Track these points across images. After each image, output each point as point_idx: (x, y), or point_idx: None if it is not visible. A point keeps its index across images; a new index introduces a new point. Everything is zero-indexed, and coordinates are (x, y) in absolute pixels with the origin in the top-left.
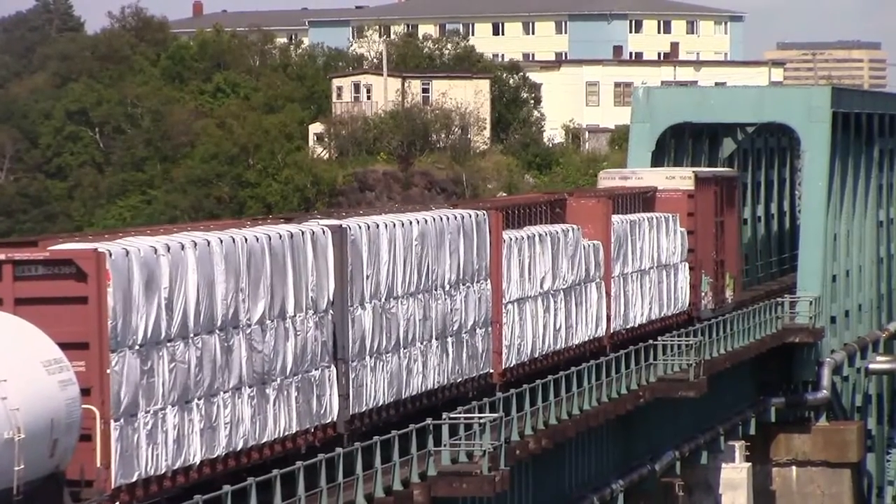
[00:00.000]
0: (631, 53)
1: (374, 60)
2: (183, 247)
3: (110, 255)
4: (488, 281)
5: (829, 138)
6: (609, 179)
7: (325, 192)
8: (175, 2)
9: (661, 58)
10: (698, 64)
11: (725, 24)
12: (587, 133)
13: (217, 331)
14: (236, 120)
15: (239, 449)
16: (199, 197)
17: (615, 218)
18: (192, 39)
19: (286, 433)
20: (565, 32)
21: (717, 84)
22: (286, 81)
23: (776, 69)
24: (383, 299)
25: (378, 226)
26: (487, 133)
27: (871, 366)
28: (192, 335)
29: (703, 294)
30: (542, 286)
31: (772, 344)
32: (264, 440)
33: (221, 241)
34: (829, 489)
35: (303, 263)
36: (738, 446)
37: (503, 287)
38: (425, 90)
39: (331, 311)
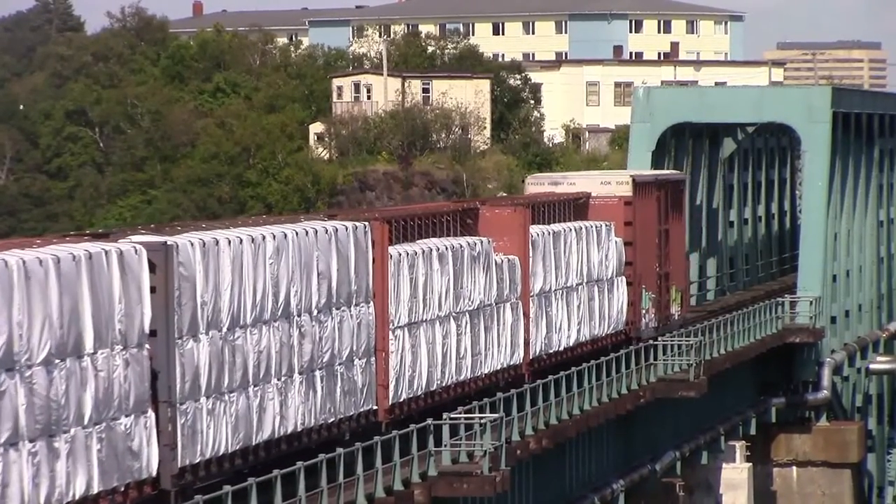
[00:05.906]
0: (631, 53)
1: (375, 60)
2: None
3: None
4: (370, 304)
5: (829, 138)
6: (537, 185)
7: (326, 192)
8: (175, 2)
9: (661, 58)
10: (698, 64)
11: (725, 23)
12: (587, 133)
13: None
14: (236, 120)
15: None
16: (203, 196)
17: (535, 229)
18: (192, 39)
19: (85, 494)
20: (565, 32)
21: (717, 84)
22: (286, 81)
23: (776, 69)
24: (225, 329)
25: (218, 242)
26: (488, 133)
27: (872, 366)
28: None
29: (643, 311)
30: (440, 308)
31: (772, 344)
32: None
33: None
34: (830, 489)
35: (106, 289)
36: (739, 446)
37: (390, 310)
38: (425, 90)
39: (147, 346)
